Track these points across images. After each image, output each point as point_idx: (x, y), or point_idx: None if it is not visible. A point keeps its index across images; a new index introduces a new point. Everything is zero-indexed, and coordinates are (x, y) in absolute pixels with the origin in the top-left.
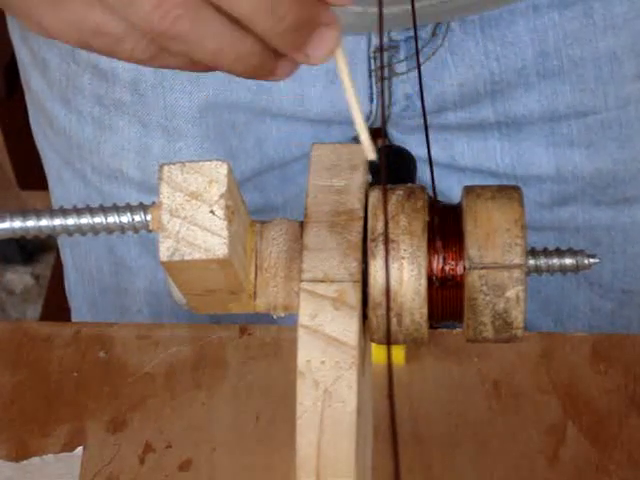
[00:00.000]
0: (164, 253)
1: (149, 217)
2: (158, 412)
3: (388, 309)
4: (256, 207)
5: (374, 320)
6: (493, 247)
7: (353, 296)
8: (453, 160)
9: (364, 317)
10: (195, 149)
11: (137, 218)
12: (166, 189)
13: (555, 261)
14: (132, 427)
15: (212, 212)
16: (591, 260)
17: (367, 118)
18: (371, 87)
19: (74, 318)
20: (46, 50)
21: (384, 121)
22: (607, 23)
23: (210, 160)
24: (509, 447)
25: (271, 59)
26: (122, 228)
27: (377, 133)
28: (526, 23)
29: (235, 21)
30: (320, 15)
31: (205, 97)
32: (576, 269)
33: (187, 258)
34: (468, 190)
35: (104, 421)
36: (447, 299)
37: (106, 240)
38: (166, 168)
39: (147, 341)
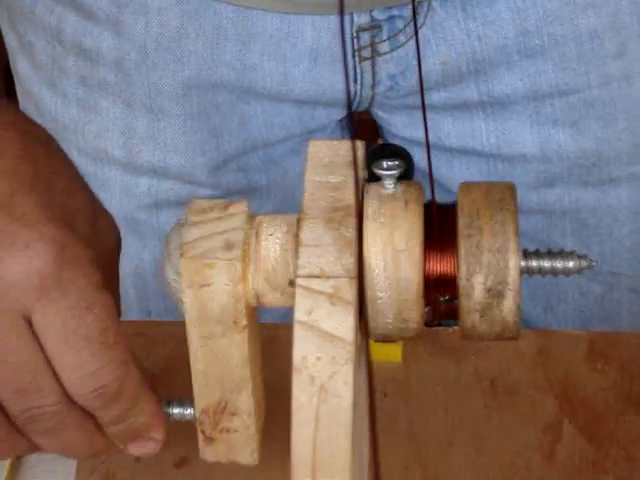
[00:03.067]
0: None
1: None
2: None
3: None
4: (240, 188)
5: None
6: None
7: (349, 292)
8: (439, 140)
9: (360, 313)
10: (179, 128)
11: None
12: None
13: (547, 264)
14: None
15: None
16: (583, 263)
17: (352, 99)
18: (355, 67)
19: None
20: (32, 33)
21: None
22: (587, 1)
23: None
24: (505, 445)
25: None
26: None
27: (363, 115)
28: (506, 2)
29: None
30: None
31: (189, 76)
32: (569, 272)
33: None
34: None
35: None
36: (442, 304)
37: None
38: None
39: (143, 338)
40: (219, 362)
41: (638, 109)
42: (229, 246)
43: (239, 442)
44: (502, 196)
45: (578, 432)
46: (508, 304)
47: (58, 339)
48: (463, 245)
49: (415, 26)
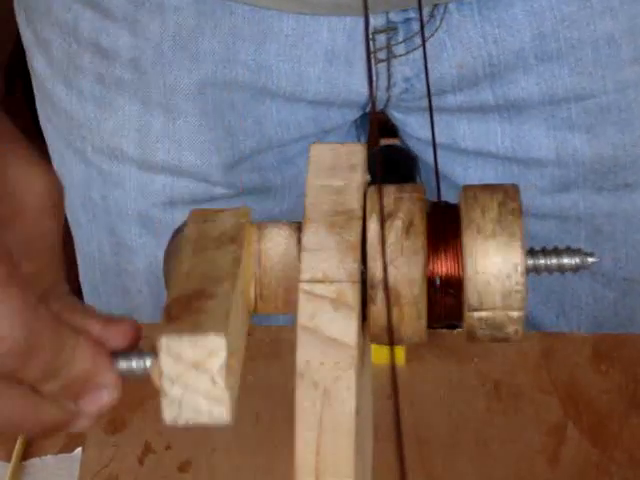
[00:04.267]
0: (168, 417)
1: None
2: (157, 413)
3: (389, 310)
4: (254, 186)
5: (373, 321)
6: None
7: (352, 296)
8: (454, 142)
9: (363, 318)
10: (194, 126)
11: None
12: (166, 359)
13: (554, 261)
14: (131, 428)
15: (213, 381)
16: (589, 259)
17: (366, 101)
18: (370, 69)
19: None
20: (48, 30)
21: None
22: (604, 6)
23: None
24: (509, 447)
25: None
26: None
27: (378, 116)
28: (523, 5)
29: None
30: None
31: (204, 75)
32: (575, 269)
33: (191, 422)
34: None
35: (103, 422)
36: (447, 301)
37: (107, 221)
38: (164, 341)
39: (146, 341)
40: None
41: None
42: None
43: (210, 317)
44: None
45: (582, 435)
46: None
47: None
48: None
49: (422, 30)
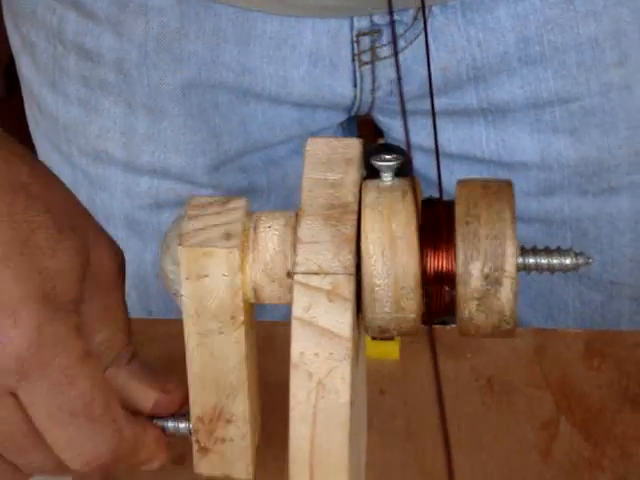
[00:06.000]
0: None
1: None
2: None
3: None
4: (240, 188)
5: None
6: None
7: (347, 288)
8: (439, 146)
9: (358, 310)
10: (179, 128)
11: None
12: None
13: (544, 261)
14: None
15: None
16: (580, 260)
17: (351, 103)
18: (354, 71)
19: None
20: (34, 33)
21: None
22: (588, 9)
23: None
24: (503, 442)
25: None
26: None
27: (364, 120)
28: (507, 8)
29: None
30: None
31: (188, 76)
32: (565, 269)
33: None
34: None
35: None
36: (440, 294)
37: None
38: None
39: (142, 337)
40: (215, 362)
41: (639, 117)
42: (228, 236)
43: (234, 453)
44: (499, 187)
45: (575, 430)
46: (505, 292)
47: (44, 416)
48: (461, 233)
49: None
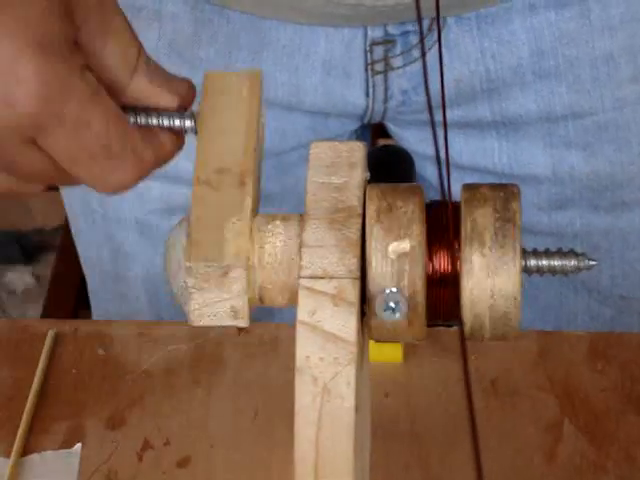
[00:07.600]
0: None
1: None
2: (157, 409)
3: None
4: None
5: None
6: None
7: (352, 293)
8: (451, 158)
9: (362, 314)
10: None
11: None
12: None
13: (544, 262)
14: (131, 424)
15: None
16: (586, 262)
17: (363, 112)
18: (367, 81)
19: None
20: None
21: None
22: (604, 24)
23: None
24: (506, 445)
25: None
26: None
27: (376, 129)
28: (522, 22)
29: None
30: None
31: (200, 82)
32: (567, 271)
33: None
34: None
35: (103, 418)
36: (445, 298)
37: (105, 228)
38: None
39: (146, 338)
40: None
41: None
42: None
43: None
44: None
45: (579, 432)
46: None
47: (66, 161)
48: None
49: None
